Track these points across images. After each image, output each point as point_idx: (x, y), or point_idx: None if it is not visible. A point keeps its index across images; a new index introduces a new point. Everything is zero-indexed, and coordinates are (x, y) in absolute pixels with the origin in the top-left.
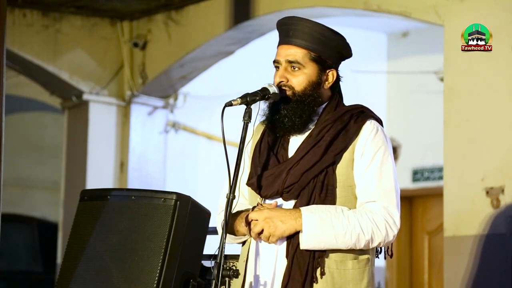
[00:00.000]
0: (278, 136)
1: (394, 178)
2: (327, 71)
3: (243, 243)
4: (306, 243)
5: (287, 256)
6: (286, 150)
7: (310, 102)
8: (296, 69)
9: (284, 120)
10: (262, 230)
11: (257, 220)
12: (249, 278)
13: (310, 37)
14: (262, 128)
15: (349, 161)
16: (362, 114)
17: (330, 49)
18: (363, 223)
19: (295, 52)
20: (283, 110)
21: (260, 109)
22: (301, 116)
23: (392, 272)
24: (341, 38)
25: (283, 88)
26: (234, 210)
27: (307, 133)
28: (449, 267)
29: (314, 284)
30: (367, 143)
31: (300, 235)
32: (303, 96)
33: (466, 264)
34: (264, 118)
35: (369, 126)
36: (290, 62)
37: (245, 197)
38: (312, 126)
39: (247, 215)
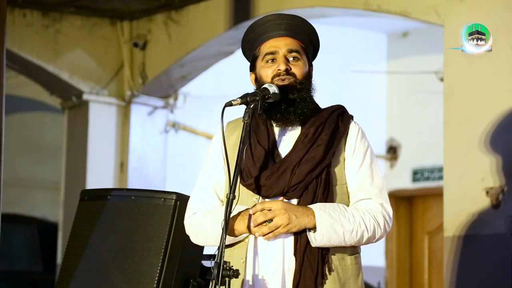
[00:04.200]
0: (265, 135)
1: (381, 176)
2: (310, 67)
3: (233, 244)
4: (319, 240)
5: (295, 254)
6: (277, 149)
7: (312, 90)
8: (296, 58)
9: (296, 106)
10: (265, 222)
11: (270, 209)
12: (249, 278)
13: (301, 31)
14: (236, 129)
15: (341, 160)
16: (344, 114)
17: (311, 45)
18: (366, 220)
19: (292, 42)
20: (290, 100)
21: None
22: (310, 103)
23: (392, 272)
24: (317, 36)
25: (286, 77)
26: (202, 214)
27: (296, 132)
28: (449, 267)
29: (325, 280)
30: (357, 142)
31: (310, 232)
32: (306, 84)
33: (466, 264)
34: (263, 113)
35: (354, 126)
36: (291, 51)
37: (219, 198)
38: (299, 125)
39: (257, 205)
